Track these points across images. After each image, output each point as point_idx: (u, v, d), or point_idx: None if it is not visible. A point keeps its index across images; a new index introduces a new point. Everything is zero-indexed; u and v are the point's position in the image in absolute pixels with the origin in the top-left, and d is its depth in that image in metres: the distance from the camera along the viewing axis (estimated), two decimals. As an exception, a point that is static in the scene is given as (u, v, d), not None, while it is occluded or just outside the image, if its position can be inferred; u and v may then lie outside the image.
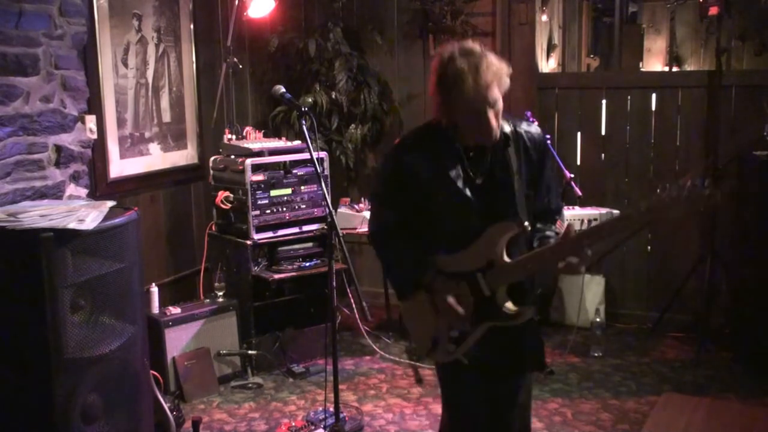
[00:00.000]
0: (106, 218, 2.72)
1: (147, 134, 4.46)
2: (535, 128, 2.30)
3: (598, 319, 4.52)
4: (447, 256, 2.23)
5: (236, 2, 4.59)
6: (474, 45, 2.12)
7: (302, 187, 4.31)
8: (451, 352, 2.25)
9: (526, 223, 2.16)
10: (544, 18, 5.33)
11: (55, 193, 3.48)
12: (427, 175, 2.22)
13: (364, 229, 4.18)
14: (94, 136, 3.85)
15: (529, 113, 4.40)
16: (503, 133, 2.19)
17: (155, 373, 3.39)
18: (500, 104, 2.11)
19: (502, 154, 2.20)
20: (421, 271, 2.25)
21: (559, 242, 2.09)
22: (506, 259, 2.15)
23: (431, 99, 2.18)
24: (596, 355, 4.41)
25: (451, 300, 2.20)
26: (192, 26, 4.79)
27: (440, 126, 2.21)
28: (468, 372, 2.27)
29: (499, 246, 2.15)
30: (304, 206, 4.32)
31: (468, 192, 2.19)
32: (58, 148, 3.51)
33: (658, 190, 1.93)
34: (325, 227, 3.74)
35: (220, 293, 4.23)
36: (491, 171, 2.20)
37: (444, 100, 2.12)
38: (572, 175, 4.38)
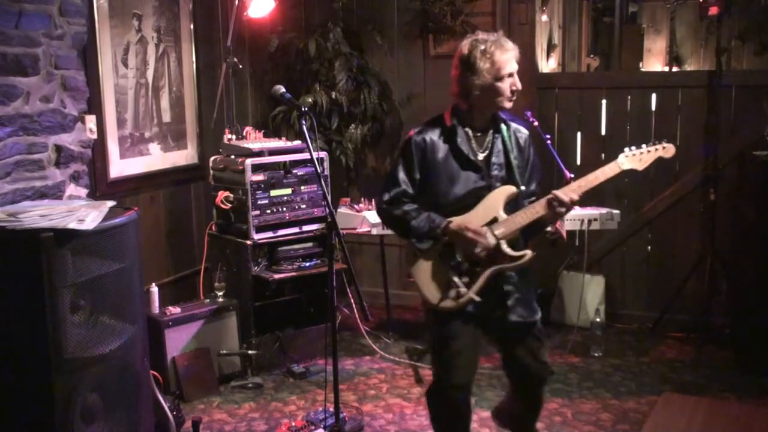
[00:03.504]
0: (106, 218, 2.72)
1: (147, 134, 4.46)
2: (524, 129, 2.85)
3: (598, 319, 4.52)
4: (457, 217, 2.67)
5: (236, 2, 4.59)
6: (489, 32, 2.69)
7: (302, 187, 4.31)
8: (462, 294, 2.66)
9: (523, 187, 2.72)
10: (544, 18, 5.33)
11: (55, 193, 3.48)
12: (442, 152, 2.70)
13: (365, 228, 4.18)
14: (94, 136, 3.85)
15: (529, 113, 4.38)
16: (501, 120, 2.77)
17: (155, 373, 3.39)
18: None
19: (499, 136, 2.75)
20: (437, 221, 2.66)
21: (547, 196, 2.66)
22: (504, 215, 2.68)
23: (455, 81, 2.69)
24: (596, 355, 4.41)
25: (473, 226, 2.64)
26: (192, 26, 4.79)
27: (445, 118, 2.76)
28: (461, 320, 2.71)
29: (501, 205, 2.69)
30: (304, 206, 4.32)
31: (479, 162, 2.71)
32: (58, 148, 3.51)
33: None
34: (325, 227, 3.74)
35: (220, 293, 4.23)
36: (491, 148, 2.74)
37: (471, 74, 2.63)
38: (572, 175, 4.35)
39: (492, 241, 2.65)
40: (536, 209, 2.66)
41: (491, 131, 2.75)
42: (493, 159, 2.72)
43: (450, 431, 2.91)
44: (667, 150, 2.76)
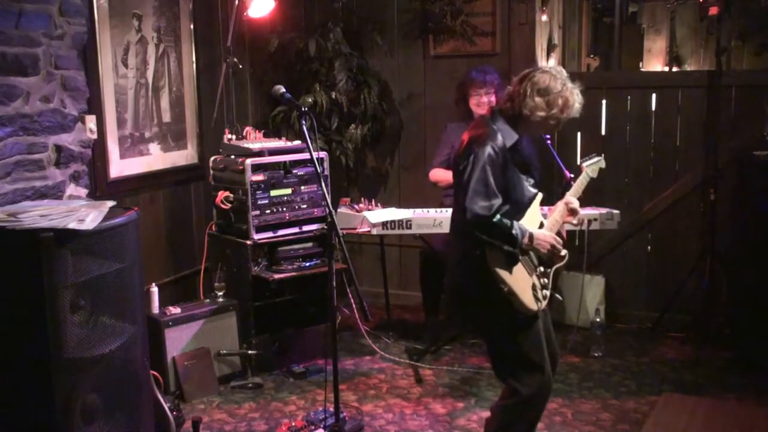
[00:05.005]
0: (106, 218, 2.72)
1: (147, 134, 4.46)
2: None
3: (598, 319, 4.52)
4: (524, 225, 2.85)
5: (236, 2, 4.59)
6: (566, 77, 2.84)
7: (302, 187, 4.30)
8: (546, 296, 2.91)
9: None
10: (544, 18, 5.33)
11: (55, 193, 3.48)
12: (508, 161, 2.78)
13: (365, 228, 4.17)
14: (94, 136, 3.85)
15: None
16: None
17: (155, 373, 3.39)
18: None
19: (525, 146, 2.97)
20: (524, 229, 2.77)
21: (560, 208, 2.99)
22: (544, 220, 2.95)
23: (516, 96, 2.79)
24: (596, 355, 4.41)
25: (556, 238, 2.85)
26: (192, 26, 4.78)
27: (499, 124, 2.82)
28: (533, 318, 2.88)
29: (539, 211, 2.92)
30: (304, 206, 4.32)
31: (530, 169, 2.91)
32: (58, 148, 3.51)
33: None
34: (325, 227, 3.74)
35: (220, 293, 4.23)
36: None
37: (540, 100, 2.75)
38: (572, 176, 4.35)
39: None
40: (563, 211, 2.97)
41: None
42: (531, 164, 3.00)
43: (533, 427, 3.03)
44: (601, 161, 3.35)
